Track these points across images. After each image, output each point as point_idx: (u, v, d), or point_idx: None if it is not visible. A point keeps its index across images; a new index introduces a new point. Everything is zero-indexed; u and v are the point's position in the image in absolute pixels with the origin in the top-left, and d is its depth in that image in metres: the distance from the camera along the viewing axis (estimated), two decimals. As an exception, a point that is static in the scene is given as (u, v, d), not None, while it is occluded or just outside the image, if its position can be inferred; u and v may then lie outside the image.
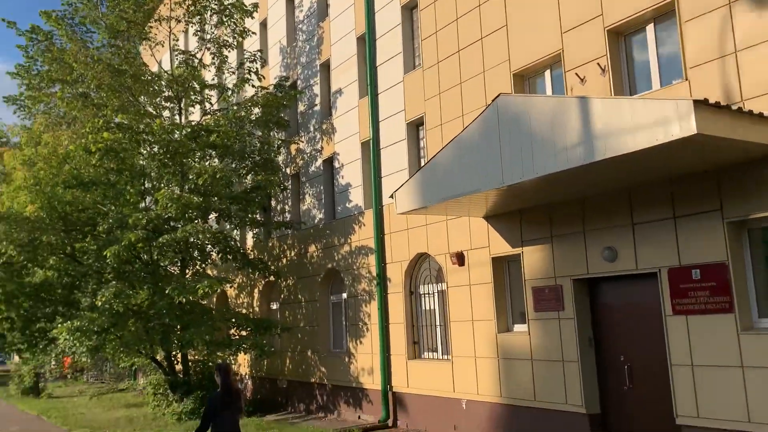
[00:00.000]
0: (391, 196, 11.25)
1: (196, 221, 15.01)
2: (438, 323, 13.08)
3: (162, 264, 17.27)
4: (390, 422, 13.59)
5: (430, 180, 10.09)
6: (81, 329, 13.81)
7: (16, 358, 55.94)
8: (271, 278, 18.43)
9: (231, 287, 19.83)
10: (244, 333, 16.57)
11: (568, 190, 9.25)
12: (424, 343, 13.43)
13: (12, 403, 26.44)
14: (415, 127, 13.83)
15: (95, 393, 22.89)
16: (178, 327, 15.50)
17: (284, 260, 18.43)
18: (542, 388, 10.29)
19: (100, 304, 14.04)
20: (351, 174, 15.61)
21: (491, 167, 8.75)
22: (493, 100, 8.97)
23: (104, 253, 14.05)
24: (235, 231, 19.57)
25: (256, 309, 19.64)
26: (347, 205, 15.70)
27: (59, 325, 13.66)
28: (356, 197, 15.38)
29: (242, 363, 20.16)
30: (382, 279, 14.12)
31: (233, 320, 16.11)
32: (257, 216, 17.95)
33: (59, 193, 15.10)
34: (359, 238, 15.10)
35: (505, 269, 11.50)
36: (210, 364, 18.42)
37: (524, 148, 8.28)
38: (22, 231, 14.04)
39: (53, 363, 26.76)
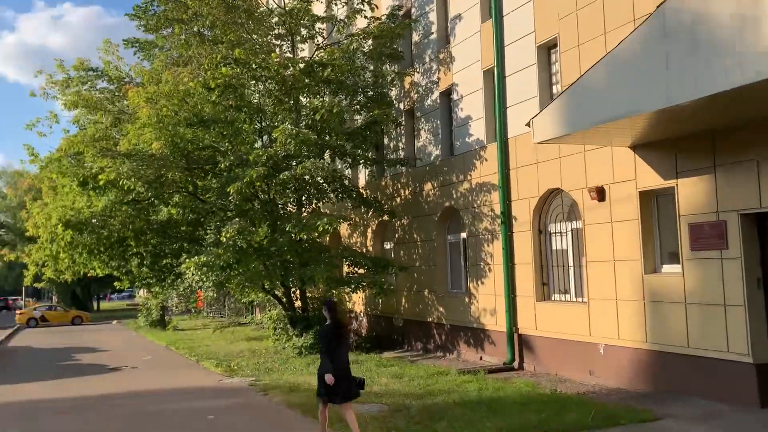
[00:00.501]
0: (528, 124, 10.33)
1: (312, 159, 14.77)
2: (571, 264, 12.22)
3: (279, 202, 17.36)
4: (516, 364, 13.06)
5: (576, 104, 9.10)
6: (207, 264, 14.13)
7: (141, 293, 60.45)
8: (385, 217, 18.13)
9: (345, 225, 19.72)
10: (361, 271, 16.45)
11: (745, 110, 7.99)
12: (554, 285, 12.65)
13: (141, 333, 28.39)
14: (547, 50, 12.68)
15: (218, 327, 23.94)
16: (298, 264, 15.56)
17: (398, 199, 18.02)
18: (698, 334, 9.31)
19: (224, 239, 14.24)
20: (471, 106, 14.72)
21: (655, 85, 7.66)
22: (658, 7, 7.79)
23: (227, 190, 14.18)
24: (347, 170, 19.34)
25: (370, 249, 19.50)
26: (467, 139, 14.89)
27: (187, 261, 14.07)
28: (477, 131, 14.52)
29: (357, 301, 20.25)
30: (507, 217, 13.35)
31: (351, 258, 16.00)
32: (371, 154, 17.54)
33: (181, 131, 15.32)
34: (480, 175, 14.33)
35: (653, 204, 10.41)
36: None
37: (699, 60, 7.13)
38: (148, 168, 14.38)
39: (176, 298, 28.27)
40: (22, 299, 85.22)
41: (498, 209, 13.56)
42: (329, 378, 7.33)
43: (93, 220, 15.20)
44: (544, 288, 12.75)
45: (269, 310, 23.01)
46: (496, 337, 13.87)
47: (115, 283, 22.70)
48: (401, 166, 17.30)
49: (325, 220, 14.25)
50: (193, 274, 14.21)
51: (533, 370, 12.69)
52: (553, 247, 12.69)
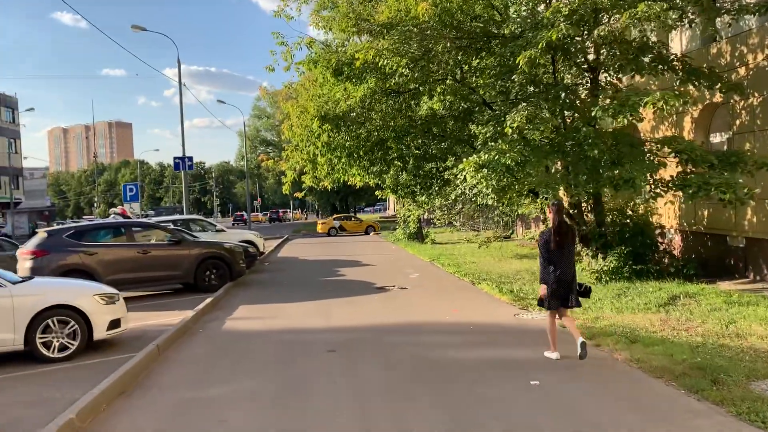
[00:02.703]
0: None
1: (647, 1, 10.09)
2: None
3: (567, 83, 13.25)
4: None
5: None
6: (489, 164, 10.81)
7: (391, 204, 61.12)
8: (718, 98, 12.97)
9: (650, 112, 14.88)
10: (693, 169, 11.79)
11: None
12: None
13: (400, 246, 27.00)
14: None
15: (483, 242, 21.13)
16: (608, 162, 11.48)
17: (741, 70, 12.65)
18: None
19: (509, 131, 10.75)
20: None
21: None
22: None
23: (516, 62, 10.50)
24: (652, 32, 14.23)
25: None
26: None
27: (464, 160, 10.89)
28: None
29: (666, 213, 15.57)
30: None
31: (683, 153, 11.35)
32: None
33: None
34: None
35: None
36: (630, 213, 14.36)
37: None
38: (413, 42, 11.28)
39: (438, 209, 25.99)
40: (290, 211, 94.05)
41: None
42: (542, 290, 7.23)
43: (352, 114, 12.78)
44: None
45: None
46: None
47: (377, 192, 20.97)
48: (753, 15, 11.83)
49: (658, 95, 9.86)
50: (471, 177, 11.01)
51: None
52: None
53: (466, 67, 13.29)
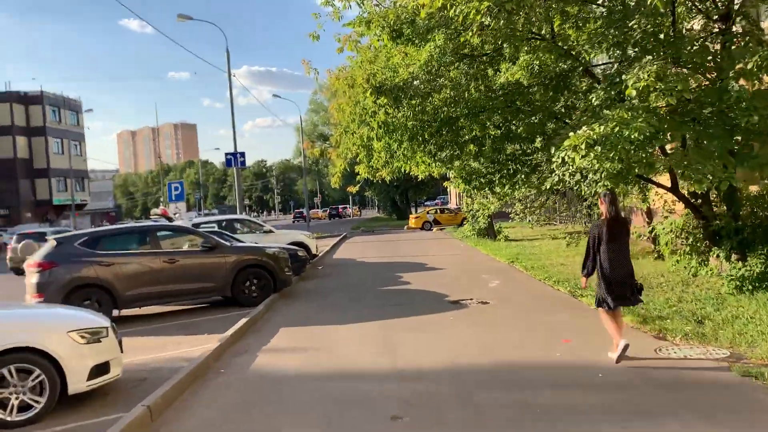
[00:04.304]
0: None
1: None
2: None
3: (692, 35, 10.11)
4: None
5: None
6: (605, 140, 7.88)
7: (452, 196, 57.90)
8: None
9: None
10: None
11: None
12: None
13: (470, 244, 24.10)
14: None
15: (571, 239, 18.04)
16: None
17: None
18: None
19: (634, 92, 7.80)
20: None
21: None
22: None
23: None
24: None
25: None
26: None
27: (571, 135, 8.00)
28: None
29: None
30: None
31: None
32: None
33: None
34: None
35: None
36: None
37: None
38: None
39: (519, 202, 22.88)
40: (350, 207, 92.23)
41: None
42: (582, 281, 7.06)
43: (414, 82, 10.03)
44: None
45: (644, 215, 16.16)
46: None
47: (446, 183, 18.15)
48: None
49: None
50: (580, 158, 8.11)
51: None
52: None
53: (559, 21, 10.31)
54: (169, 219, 19.99)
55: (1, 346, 5.81)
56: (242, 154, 25.70)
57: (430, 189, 64.39)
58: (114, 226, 13.35)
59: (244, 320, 9.99)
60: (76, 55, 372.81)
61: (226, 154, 26.24)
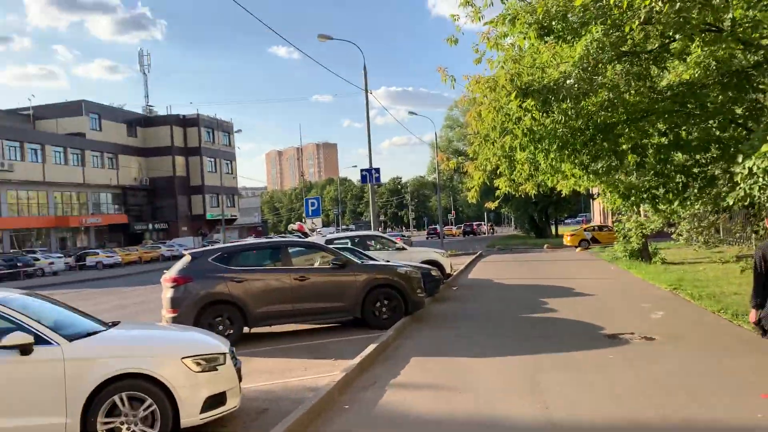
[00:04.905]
0: None
1: None
2: None
3: None
4: None
5: None
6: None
7: (595, 217, 53.85)
8: None
9: None
10: None
11: None
12: None
13: (622, 267, 21.83)
14: None
15: (746, 265, 15.56)
16: None
17: None
18: None
19: None
20: None
21: None
22: None
23: None
24: None
25: None
26: None
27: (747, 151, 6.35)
28: None
29: None
30: None
31: None
32: None
33: None
34: None
35: None
36: None
37: None
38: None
39: (688, 221, 20.35)
40: (485, 224, 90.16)
41: None
42: (752, 315, 6.26)
43: (567, 82, 8.74)
44: None
45: None
46: None
47: (598, 199, 16.43)
48: None
49: None
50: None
51: None
52: None
53: (743, 6, 8.58)
54: (305, 234, 20.01)
55: (114, 371, 5.42)
56: (377, 170, 25.46)
57: (572, 206, 61.08)
58: (246, 242, 13.28)
59: (373, 346, 9.21)
60: (229, 81, 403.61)
61: (362, 170, 26.17)
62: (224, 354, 6.05)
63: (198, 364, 5.76)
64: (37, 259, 40.24)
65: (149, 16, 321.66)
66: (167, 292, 10.82)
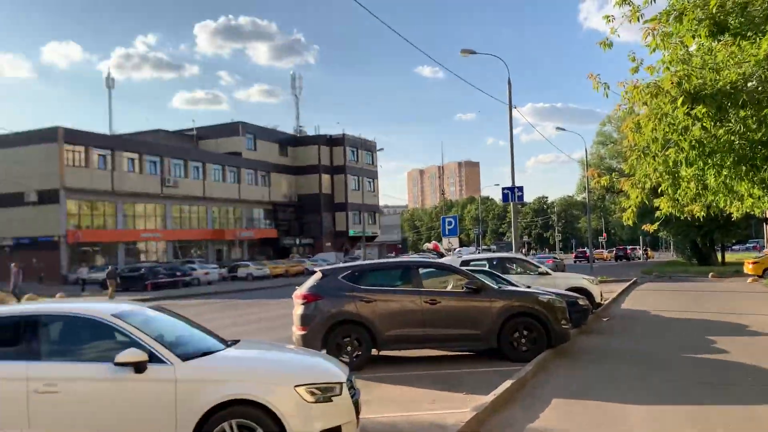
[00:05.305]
0: None
1: None
2: None
3: None
4: None
5: None
6: None
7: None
8: None
9: None
10: None
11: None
12: None
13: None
14: None
15: None
16: None
17: None
18: None
19: None
20: None
21: None
22: None
23: None
24: None
25: None
26: None
27: None
28: None
29: None
30: None
31: None
32: None
33: None
34: None
35: None
36: None
37: None
38: None
39: None
40: (640, 248, 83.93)
41: None
42: None
43: (749, 84, 7.31)
44: None
45: None
46: None
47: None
48: None
49: None
50: None
51: None
52: None
53: None
54: (441, 254, 19.38)
55: (224, 396, 5.10)
56: (519, 188, 24.33)
57: (742, 231, 54.89)
58: (377, 261, 12.90)
59: (509, 382, 8.31)
60: (375, 102, 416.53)
61: (503, 188, 25.14)
62: (341, 384, 5.54)
63: (312, 393, 5.29)
64: (194, 269, 43.28)
65: (303, 42, 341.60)
66: (298, 309, 10.67)
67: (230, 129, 65.69)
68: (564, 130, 73.28)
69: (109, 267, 36.00)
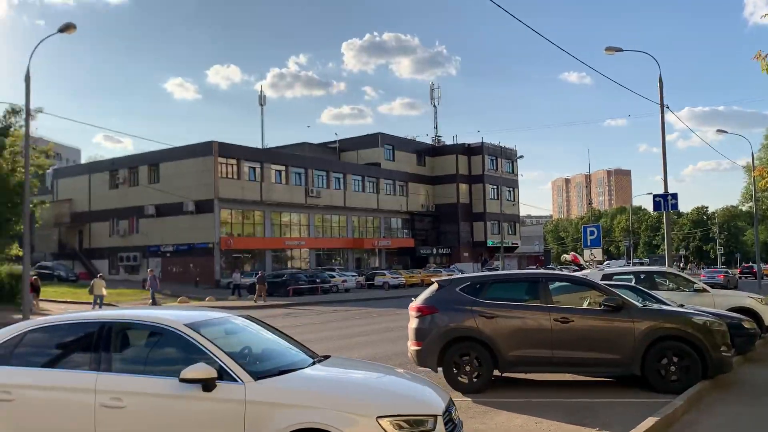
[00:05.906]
0: None
1: None
2: None
3: None
4: None
5: None
6: None
7: None
8: None
9: None
10: None
11: None
12: None
13: None
14: None
15: None
16: None
17: None
18: None
19: None
20: None
21: None
22: None
23: None
24: None
25: None
26: None
27: None
28: None
29: None
30: None
31: None
32: None
33: None
34: None
35: None
36: None
37: None
38: None
39: None
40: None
41: None
42: None
43: None
44: None
45: None
46: None
47: None
48: None
49: None
50: None
51: None
52: None
53: None
54: (580, 267, 17.77)
55: (291, 424, 4.46)
56: (673, 196, 21.84)
57: None
58: (500, 273, 11.82)
59: (652, 420, 6.94)
60: (518, 110, 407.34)
61: (654, 195, 22.73)
62: (435, 416, 4.71)
63: (398, 426, 4.51)
64: (333, 277, 44.24)
65: (445, 53, 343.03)
66: (412, 322, 9.95)
67: (370, 140, 66.93)
68: (726, 132, 66.16)
69: (259, 272, 37.74)
